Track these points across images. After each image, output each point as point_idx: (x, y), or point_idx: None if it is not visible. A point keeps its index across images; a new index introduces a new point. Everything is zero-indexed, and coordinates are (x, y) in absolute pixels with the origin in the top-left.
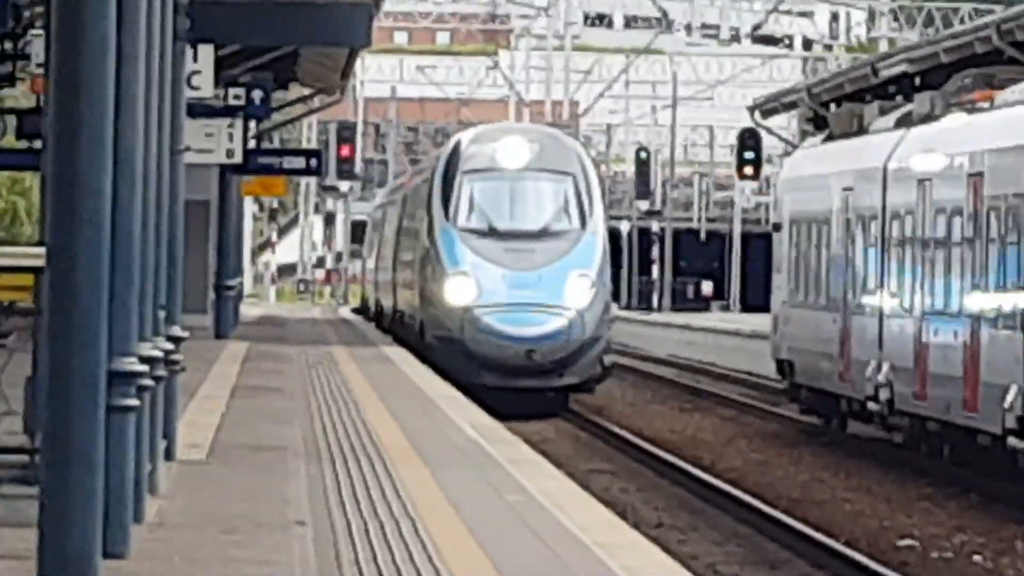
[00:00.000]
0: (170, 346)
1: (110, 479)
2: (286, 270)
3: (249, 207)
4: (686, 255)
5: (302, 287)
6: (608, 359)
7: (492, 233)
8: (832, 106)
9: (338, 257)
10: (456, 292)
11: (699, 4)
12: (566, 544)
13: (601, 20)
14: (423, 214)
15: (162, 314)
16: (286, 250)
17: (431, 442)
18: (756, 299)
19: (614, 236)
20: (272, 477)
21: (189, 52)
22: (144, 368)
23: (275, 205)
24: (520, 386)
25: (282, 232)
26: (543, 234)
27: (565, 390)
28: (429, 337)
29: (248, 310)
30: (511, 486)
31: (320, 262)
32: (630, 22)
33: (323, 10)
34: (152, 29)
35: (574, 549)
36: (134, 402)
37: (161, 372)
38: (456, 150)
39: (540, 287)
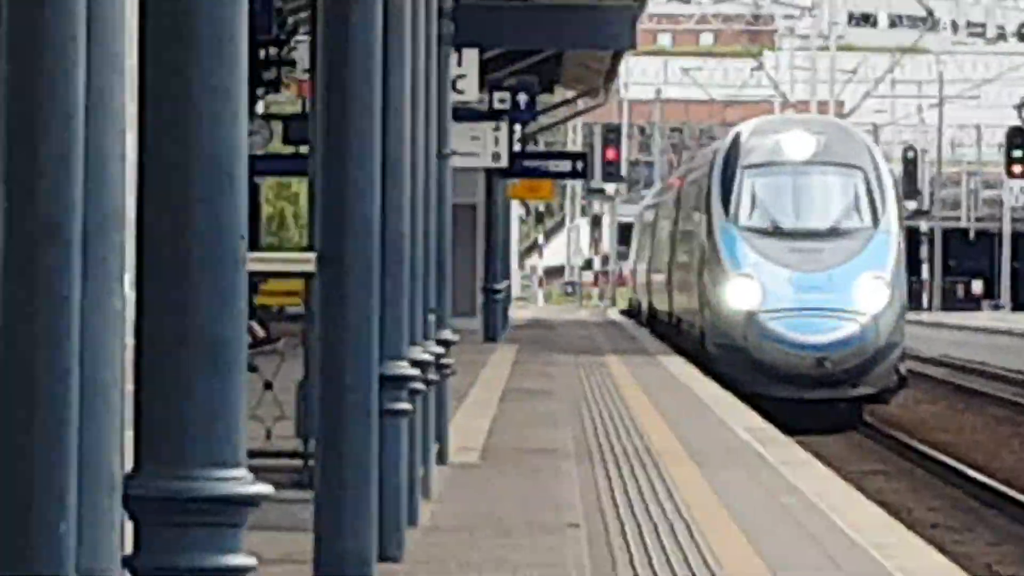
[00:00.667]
0: (440, 350)
1: (384, 483)
2: (553, 273)
3: (516, 210)
4: (955, 254)
5: (570, 289)
6: (903, 367)
7: (777, 232)
8: None
9: (605, 260)
10: (739, 296)
11: (965, 2)
12: (841, 545)
13: (866, 19)
14: (700, 213)
15: (432, 318)
16: (553, 253)
17: (703, 444)
18: None
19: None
20: (544, 480)
21: (454, 56)
22: (415, 372)
23: (541, 208)
24: (810, 397)
25: (549, 235)
26: (832, 233)
27: (859, 401)
28: (710, 345)
29: (517, 313)
30: (784, 487)
31: (587, 264)
32: (895, 21)
33: (587, 13)
34: (417, 34)
35: (849, 550)
36: (407, 406)
37: (432, 376)
38: (735, 143)
39: (830, 290)
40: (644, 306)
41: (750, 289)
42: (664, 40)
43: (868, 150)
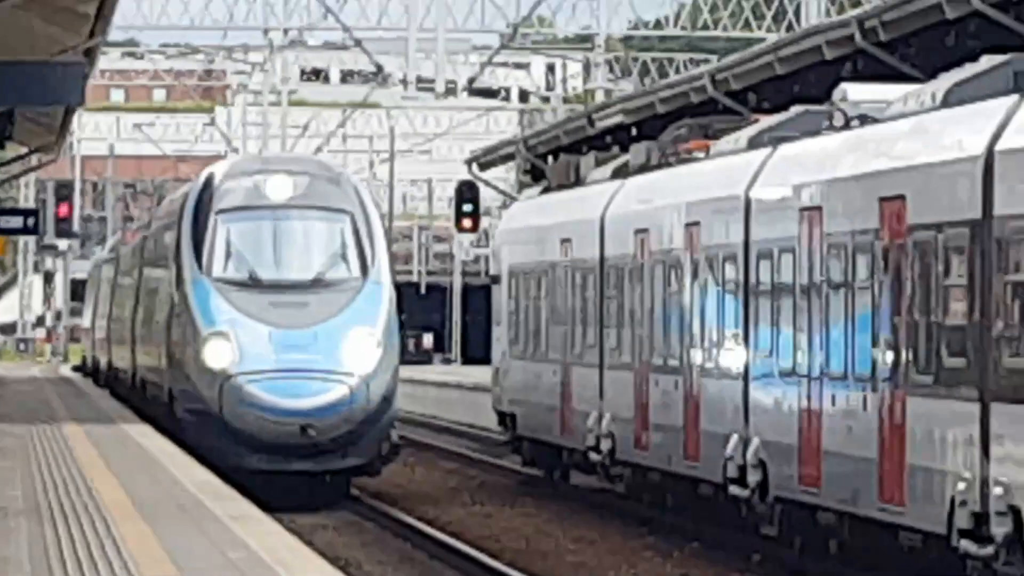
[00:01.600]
0: None
1: None
2: (6, 329)
3: None
4: (406, 308)
5: (22, 346)
6: (396, 433)
7: (255, 284)
8: (549, 158)
9: (58, 316)
10: (213, 356)
11: (414, 58)
12: None
13: (317, 75)
14: (169, 264)
15: None
16: (5, 309)
17: (154, 499)
18: (477, 351)
19: None
20: None
21: None
22: None
23: None
24: (293, 470)
25: (1, 291)
26: (317, 284)
27: (348, 473)
28: (180, 411)
29: None
30: (231, 542)
31: (40, 321)
32: (346, 77)
33: (35, 69)
34: None
35: None
36: None
37: None
38: (208, 186)
39: (315, 349)
40: (104, 365)
41: (225, 348)
42: (117, 96)
43: (356, 192)
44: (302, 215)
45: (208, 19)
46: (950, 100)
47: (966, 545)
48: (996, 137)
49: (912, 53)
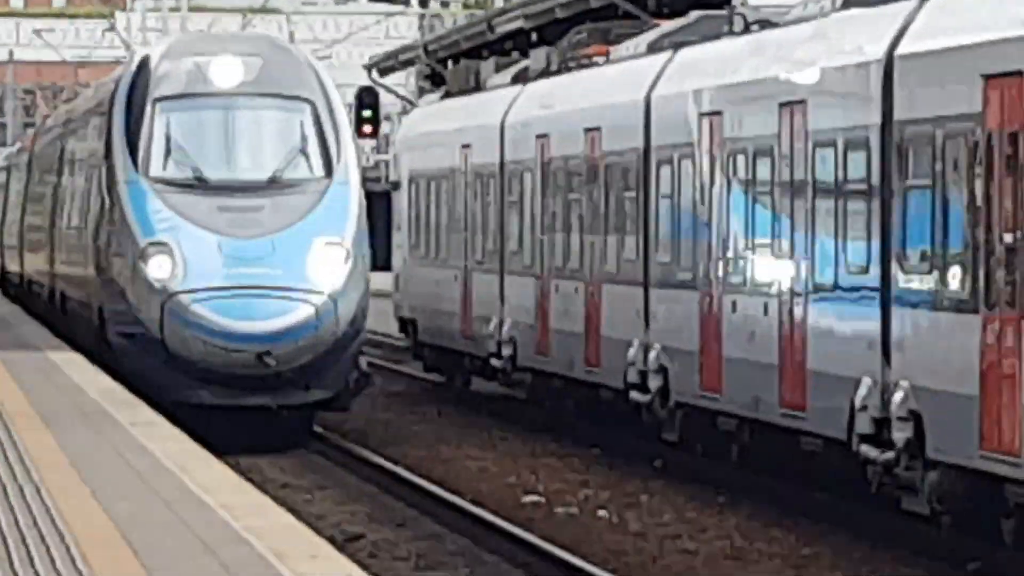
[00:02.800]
0: None
1: None
2: None
3: None
4: None
5: None
6: (364, 361)
7: (200, 185)
8: (449, 63)
9: None
10: (152, 270)
11: None
12: (190, 505)
13: None
14: (97, 162)
15: None
16: None
17: (55, 407)
18: (378, 258)
19: None
20: None
21: None
22: None
23: None
24: (248, 404)
25: None
26: (273, 185)
27: (312, 408)
28: (113, 334)
29: None
30: (135, 448)
31: None
32: None
33: None
34: None
35: (198, 510)
36: None
37: None
38: (143, 70)
39: (273, 262)
40: (14, 278)
41: (165, 261)
42: (16, 2)
43: (317, 76)
44: (255, 103)
45: None
46: (851, 3)
47: (866, 450)
48: (896, 42)
49: None
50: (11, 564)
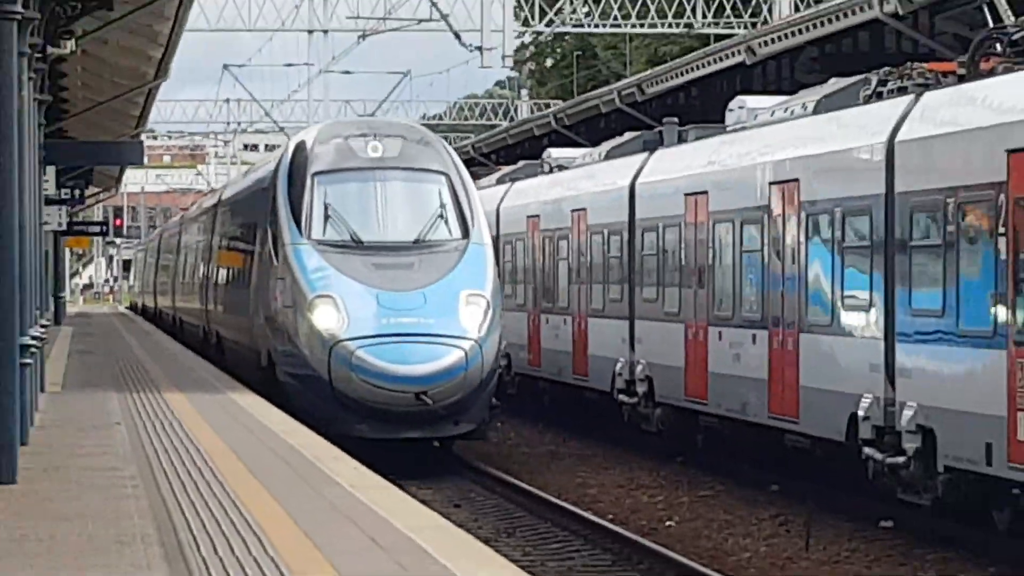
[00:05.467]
0: (42, 330)
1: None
2: (87, 287)
3: (68, 253)
4: None
5: (96, 295)
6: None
7: (357, 246)
8: None
9: (115, 279)
10: (320, 320)
11: None
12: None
13: (255, 148)
14: (258, 230)
15: (37, 312)
16: (87, 276)
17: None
18: None
19: None
20: (99, 399)
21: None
22: (35, 342)
23: (81, 251)
24: (405, 437)
25: (84, 266)
26: (420, 245)
27: (457, 439)
28: (283, 375)
29: (70, 308)
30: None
31: (105, 282)
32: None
33: (108, 145)
34: (27, 158)
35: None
36: (31, 361)
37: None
38: (301, 149)
39: (425, 312)
40: (152, 309)
41: (331, 312)
42: (145, 159)
43: (448, 154)
44: (400, 175)
45: (196, 117)
46: (612, 155)
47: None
48: (636, 178)
49: (585, 131)
50: None
